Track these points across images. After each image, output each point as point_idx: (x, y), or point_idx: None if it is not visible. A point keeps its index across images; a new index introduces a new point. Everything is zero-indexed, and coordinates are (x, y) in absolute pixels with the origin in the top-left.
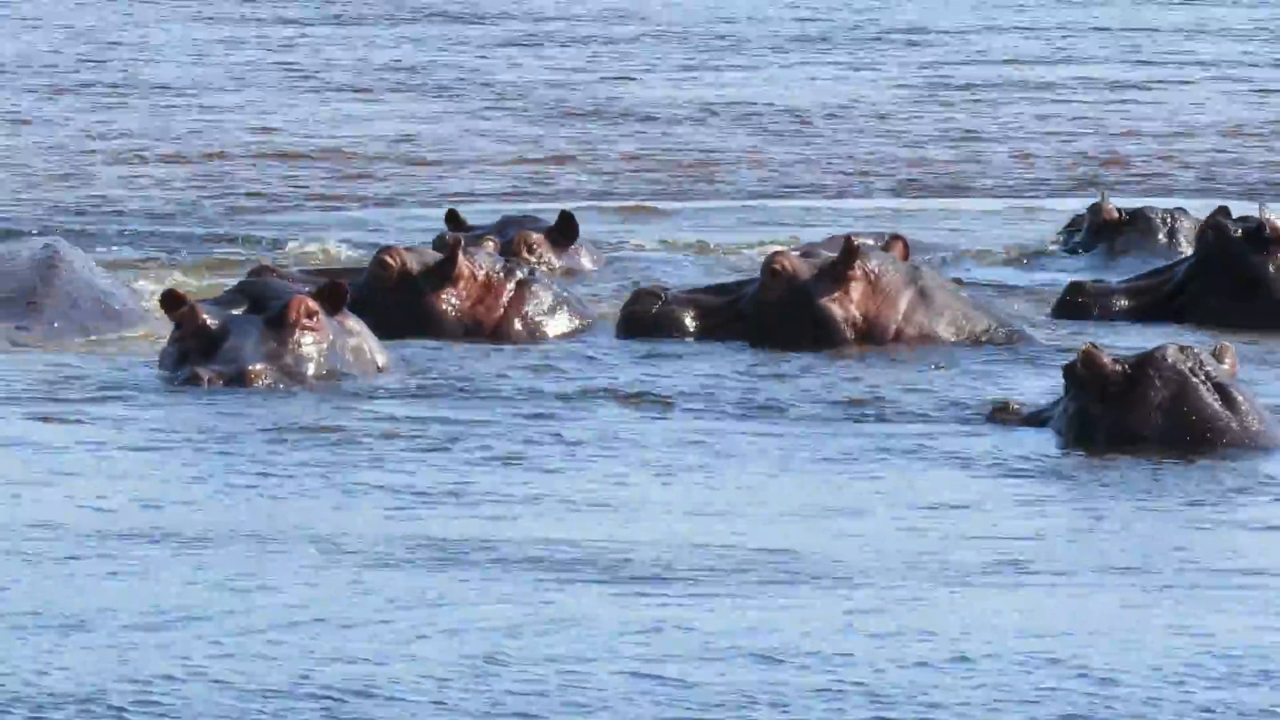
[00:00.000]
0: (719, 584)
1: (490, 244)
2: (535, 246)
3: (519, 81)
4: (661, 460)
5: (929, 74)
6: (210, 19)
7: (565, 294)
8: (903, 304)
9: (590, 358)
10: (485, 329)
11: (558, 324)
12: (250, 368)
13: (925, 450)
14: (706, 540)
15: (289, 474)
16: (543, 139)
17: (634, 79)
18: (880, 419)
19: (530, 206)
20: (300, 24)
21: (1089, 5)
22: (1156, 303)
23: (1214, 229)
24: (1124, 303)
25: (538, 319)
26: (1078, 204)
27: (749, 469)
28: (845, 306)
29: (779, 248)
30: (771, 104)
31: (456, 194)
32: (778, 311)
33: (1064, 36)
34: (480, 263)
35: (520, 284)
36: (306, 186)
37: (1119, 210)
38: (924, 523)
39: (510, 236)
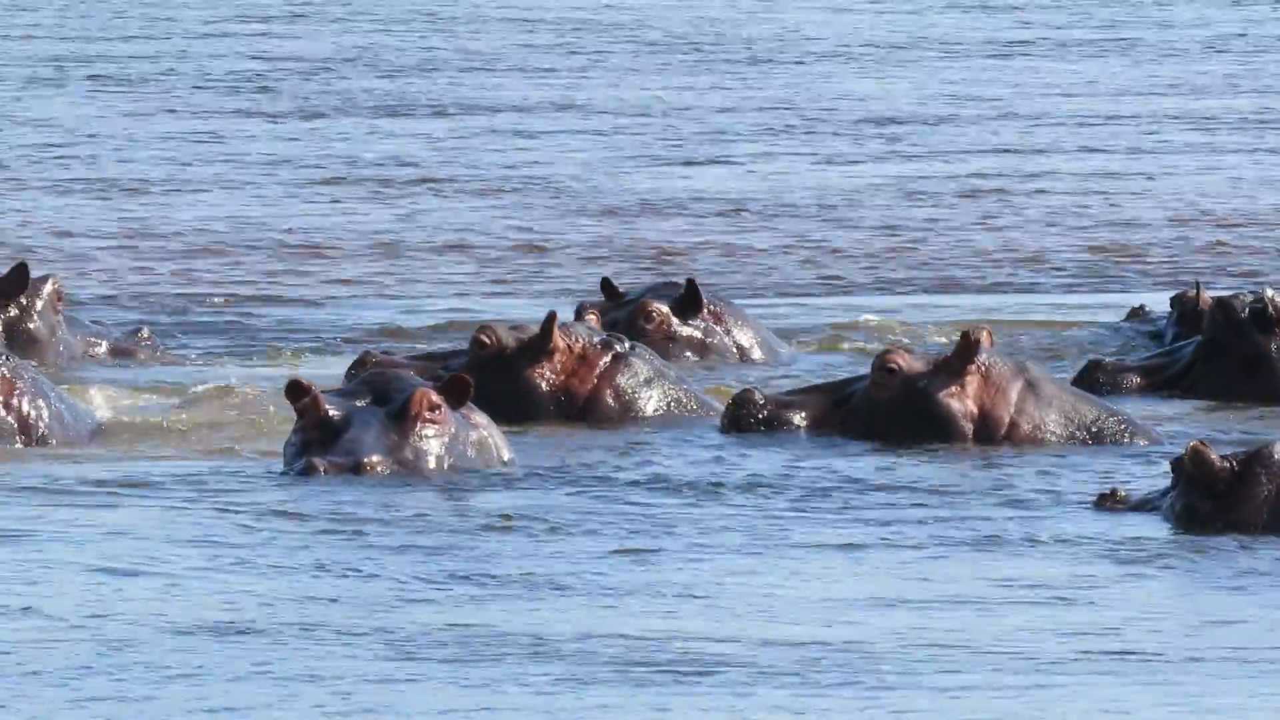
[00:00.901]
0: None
1: (592, 317)
2: (654, 315)
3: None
4: (796, 554)
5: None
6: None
7: (664, 370)
8: (1014, 396)
9: (699, 445)
10: (577, 400)
11: (651, 400)
12: (367, 460)
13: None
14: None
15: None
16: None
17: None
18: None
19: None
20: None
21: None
22: (1168, 380)
23: (1222, 308)
24: (1137, 380)
25: (631, 393)
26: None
27: (871, 560)
28: (963, 401)
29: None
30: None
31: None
32: (890, 409)
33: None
34: (577, 335)
35: (616, 357)
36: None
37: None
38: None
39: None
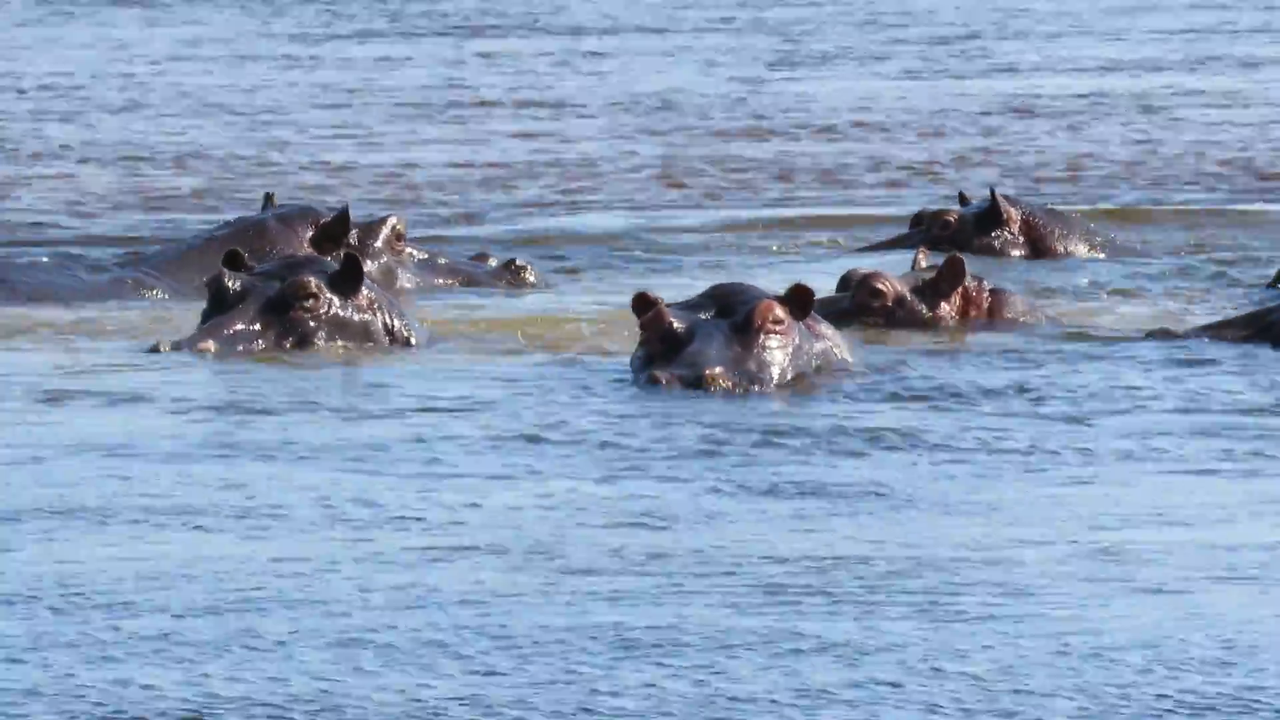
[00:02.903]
0: None
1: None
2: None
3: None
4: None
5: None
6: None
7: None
8: None
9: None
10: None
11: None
12: (709, 371)
13: None
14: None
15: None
16: None
17: None
18: None
19: None
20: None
21: None
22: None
23: None
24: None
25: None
26: None
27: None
28: None
29: None
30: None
31: None
32: None
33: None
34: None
35: (993, 292)
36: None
37: None
38: None
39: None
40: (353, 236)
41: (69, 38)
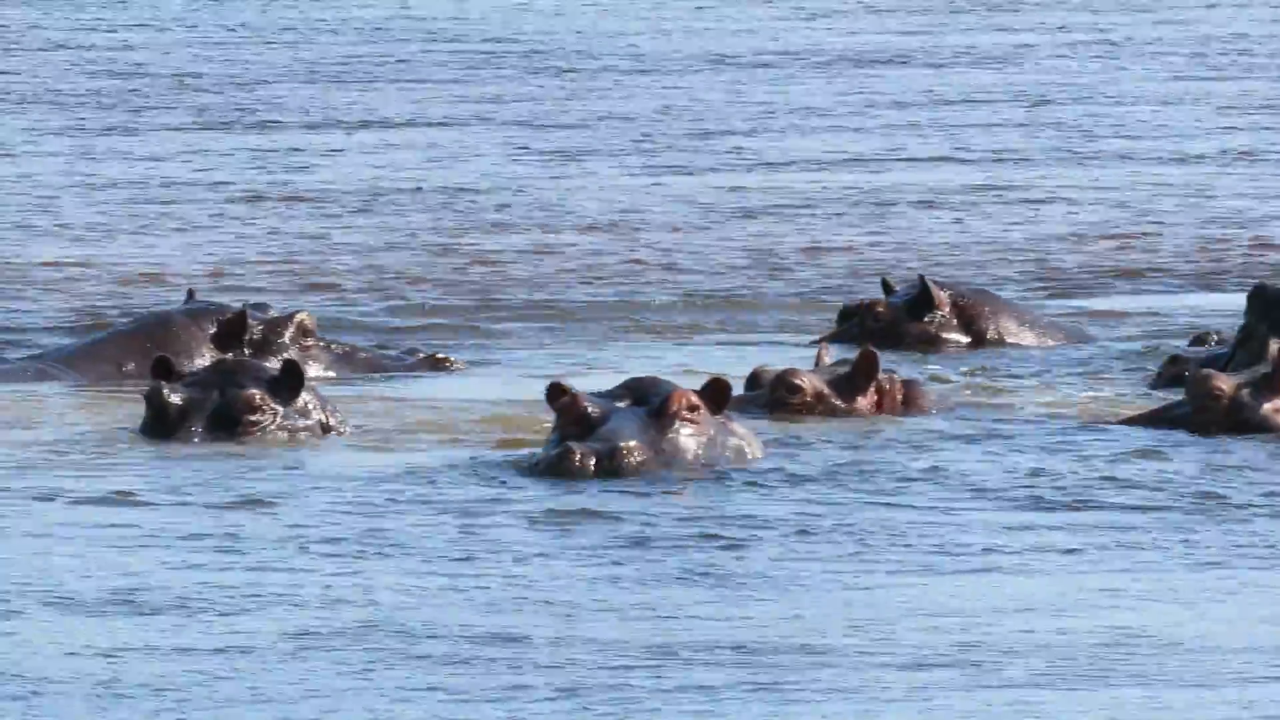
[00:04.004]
0: None
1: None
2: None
3: None
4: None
5: None
6: None
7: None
8: None
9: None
10: None
11: None
12: (624, 443)
13: None
14: None
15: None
16: None
17: None
18: None
19: None
20: None
21: None
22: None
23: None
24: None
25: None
26: None
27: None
28: None
29: None
30: None
31: None
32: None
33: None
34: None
35: (906, 384)
36: None
37: None
38: None
39: None
40: (258, 332)
41: None
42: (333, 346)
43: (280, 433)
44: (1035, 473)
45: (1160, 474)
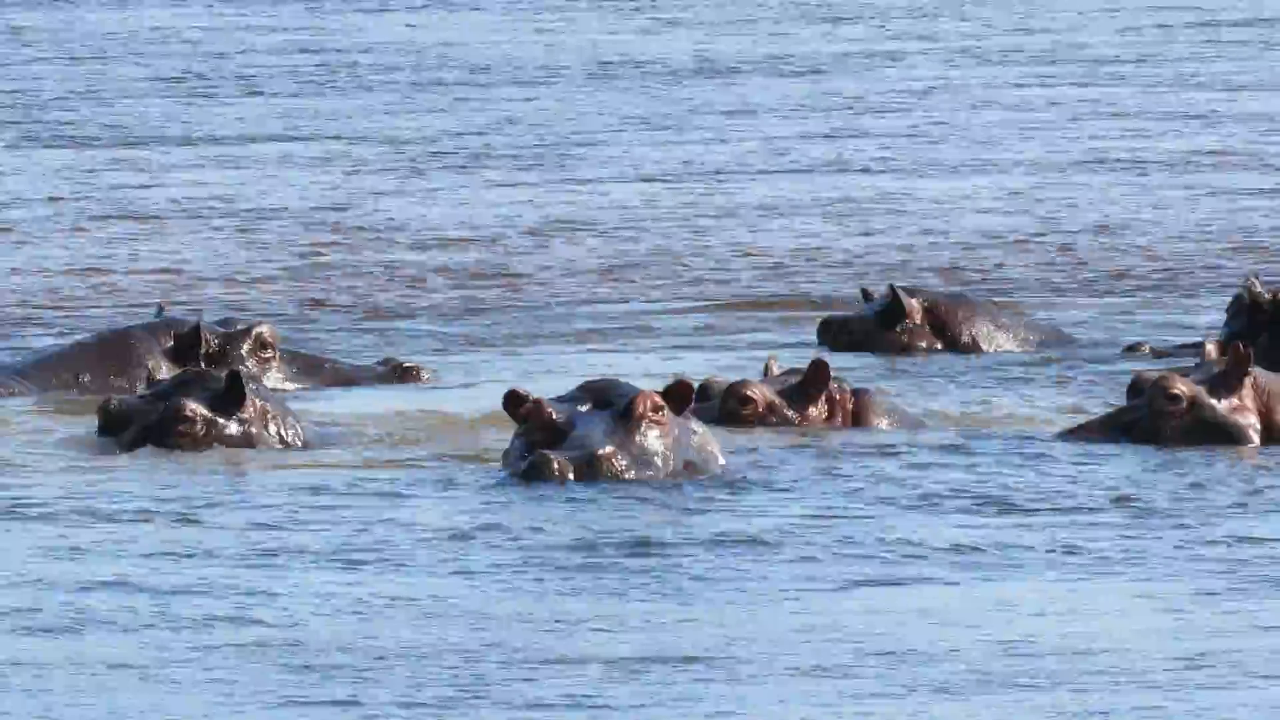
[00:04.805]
0: None
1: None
2: None
3: None
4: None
5: None
6: None
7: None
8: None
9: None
10: None
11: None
12: (601, 451)
13: None
14: None
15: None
16: None
17: None
18: None
19: None
20: None
21: None
22: None
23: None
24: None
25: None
26: None
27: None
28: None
29: None
30: None
31: None
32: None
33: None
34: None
35: (856, 393)
36: None
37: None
38: None
39: None
40: (215, 345)
41: None
42: (296, 358)
43: (215, 443)
44: (979, 481)
45: (1094, 483)
